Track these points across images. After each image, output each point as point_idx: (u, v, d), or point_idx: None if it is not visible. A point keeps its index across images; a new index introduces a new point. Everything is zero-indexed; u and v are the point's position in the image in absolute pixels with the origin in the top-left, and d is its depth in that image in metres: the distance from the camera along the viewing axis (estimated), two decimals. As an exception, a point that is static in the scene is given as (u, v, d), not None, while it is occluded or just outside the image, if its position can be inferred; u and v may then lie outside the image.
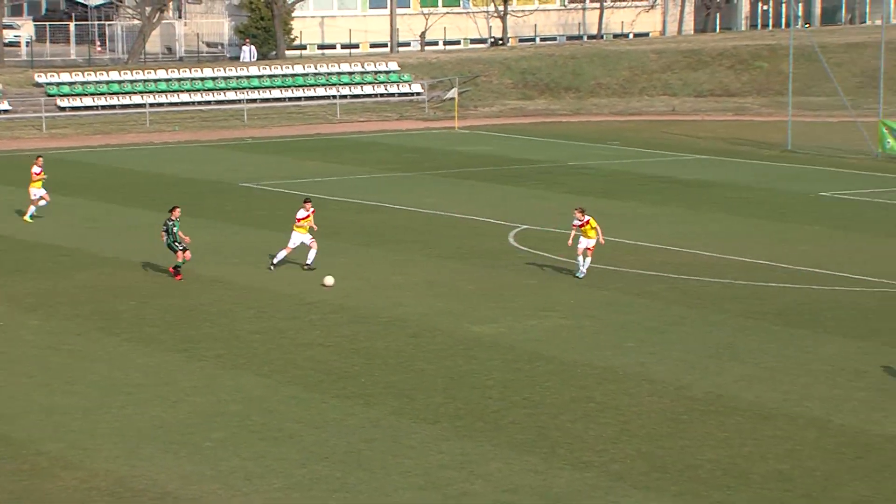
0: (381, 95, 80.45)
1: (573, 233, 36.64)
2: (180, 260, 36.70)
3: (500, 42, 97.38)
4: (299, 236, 37.44)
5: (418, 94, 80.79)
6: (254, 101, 77.06)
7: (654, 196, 50.72)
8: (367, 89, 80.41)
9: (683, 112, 79.50)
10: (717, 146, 65.20)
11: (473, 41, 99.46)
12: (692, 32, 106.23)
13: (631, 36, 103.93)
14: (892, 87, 77.71)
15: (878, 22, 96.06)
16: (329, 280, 35.67)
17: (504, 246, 41.27)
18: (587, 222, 36.28)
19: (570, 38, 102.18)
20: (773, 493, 21.95)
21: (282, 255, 37.67)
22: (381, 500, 21.98)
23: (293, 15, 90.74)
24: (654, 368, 28.66)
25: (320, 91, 79.30)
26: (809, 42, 74.41)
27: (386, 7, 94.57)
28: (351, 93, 79.64)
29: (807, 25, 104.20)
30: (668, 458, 23.47)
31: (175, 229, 36.50)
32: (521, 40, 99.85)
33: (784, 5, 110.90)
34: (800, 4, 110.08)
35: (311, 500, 21.97)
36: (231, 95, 77.23)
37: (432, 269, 38.04)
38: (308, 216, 37.49)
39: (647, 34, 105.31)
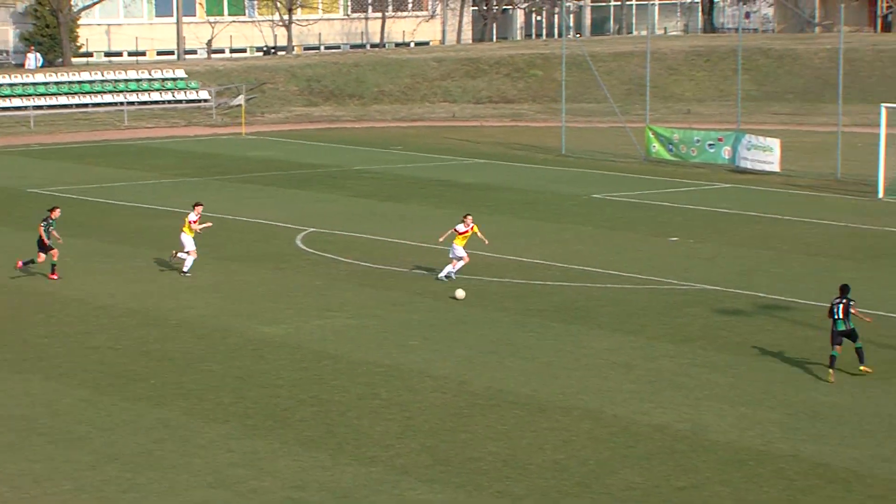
0: (169, 102, 79.46)
1: (449, 234, 36.55)
2: (41, 260, 36.13)
3: (274, 51, 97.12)
4: (190, 239, 37.07)
5: (206, 100, 79.98)
6: (40, 107, 75.40)
7: (436, 199, 51.03)
8: (155, 96, 79.36)
9: (463, 118, 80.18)
10: (496, 150, 65.88)
11: (259, 49, 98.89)
12: (470, 42, 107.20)
13: (412, 45, 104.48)
14: (658, 95, 79.45)
15: (644, 32, 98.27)
16: (460, 293, 34.66)
17: (291, 248, 41.08)
18: (472, 229, 36.28)
19: (353, 46, 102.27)
20: (550, 483, 22.24)
21: (189, 262, 37.06)
22: (171, 499, 21.68)
23: (79, 22, 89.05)
24: (437, 365, 28.82)
25: (107, 98, 78.02)
26: (580, 51, 75.68)
27: (172, 15, 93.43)
28: (138, 99, 78.49)
29: (578, 35, 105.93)
30: (451, 452, 23.61)
31: (51, 228, 36.10)
32: (306, 48, 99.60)
33: (556, 16, 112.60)
34: (571, 16, 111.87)
35: (101, 502, 21.56)
36: (17, 102, 75.48)
37: (221, 272, 37.67)
38: (198, 220, 37.15)
39: (427, 43, 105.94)
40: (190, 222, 37.17)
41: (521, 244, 42.12)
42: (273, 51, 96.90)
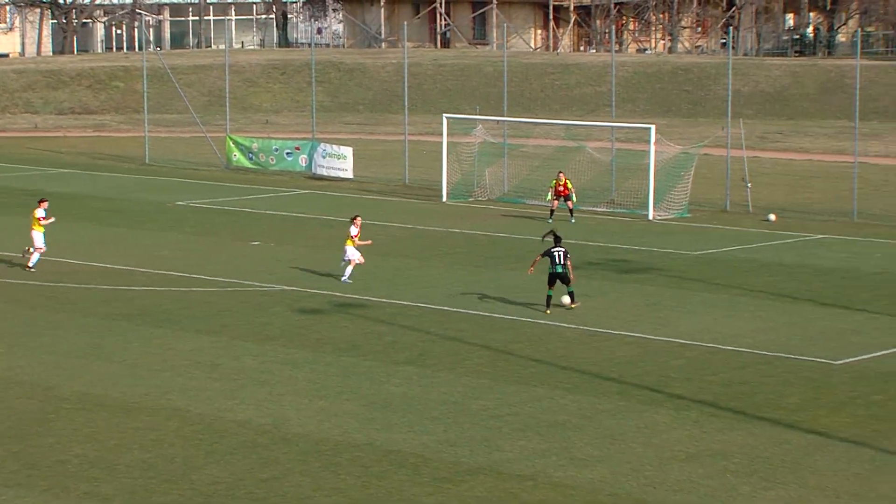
0: None
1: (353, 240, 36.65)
2: None
3: None
4: (40, 235, 38.07)
5: None
6: None
7: (20, 208, 49.43)
8: None
9: (46, 129, 77.97)
10: (80, 160, 64.36)
11: None
12: (51, 54, 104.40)
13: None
14: (237, 106, 79.44)
15: (223, 46, 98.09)
16: (566, 299, 33.32)
17: None
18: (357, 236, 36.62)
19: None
20: (138, 482, 21.92)
21: (36, 257, 37.97)
22: None
23: None
24: (23, 372, 27.94)
25: None
26: (161, 64, 74.83)
27: None
28: None
29: (158, 49, 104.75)
30: (38, 456, 22.95)
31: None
32: None
33: (136, 30, 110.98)
34: (150, 29, 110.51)
35: None
36: None
37: None
38: (47, 216, 38.41)
39: (6, 55, 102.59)
40: (39, 219, 37.98)
41: (107, 251, 41.34)
42: None
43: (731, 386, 26.99)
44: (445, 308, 33.76)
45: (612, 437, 23.86)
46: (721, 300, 35.07)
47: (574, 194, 47.60)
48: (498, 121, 58.90)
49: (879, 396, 26.11)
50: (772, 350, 29.73)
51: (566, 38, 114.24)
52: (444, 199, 53.14)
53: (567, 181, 47.52)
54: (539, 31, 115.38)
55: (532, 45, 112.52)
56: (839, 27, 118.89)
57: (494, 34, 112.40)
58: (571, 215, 47.61)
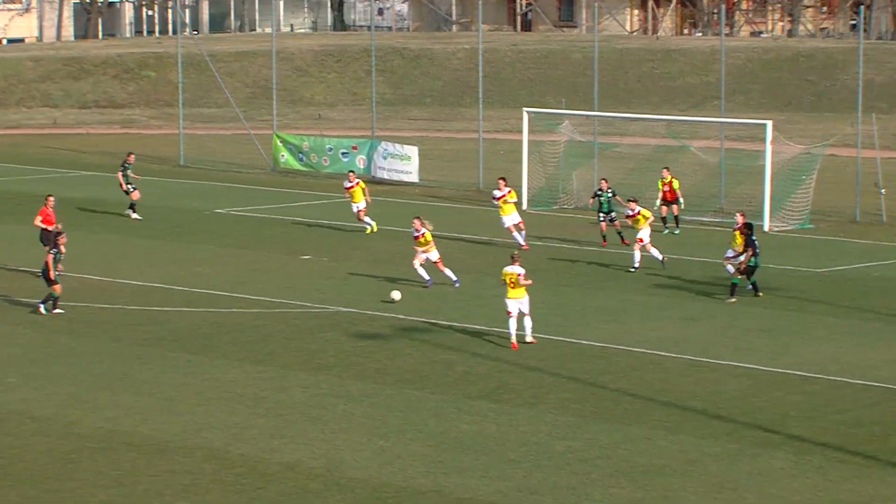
0: None
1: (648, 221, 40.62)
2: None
3: None
4: None
5: None
6: None
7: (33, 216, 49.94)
8: None
9: (66, 125, 78.87)
10: (105, 161, 64.93)
11: None
12: (72, 39, 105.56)
13: (5, 42, 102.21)
14: (286, 98, 79.95)
15: (269, 30, 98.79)
16: (396, 294, 36.91)
17: None
18: (638, 213, 40.98)
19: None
20: (172, 532, 22.12)
21: None
22: None
23: None
24: (39, 405, 28.27)
25: None
26: (199, 50, 75.50)
27: None
28: None
29: (195, 33, 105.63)
30: (55, 502, 23.20)
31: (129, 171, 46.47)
32: None
33: (170, 11, 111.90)
34: (186, 10, 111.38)
35: None
36: None
37: None
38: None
39: (22, 40, 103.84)
40: None
41: (138, 266, 41.73)
42: None
43: (860, 426, 26.83)
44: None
45: (720, 486, 23.79)
46: (849, 326, 34.87)
47: (681, 198, 47.36)
48: (587, 116, 58.86)
49: None
50: (909, 385, 29.56)
51: (667, 20, 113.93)
52: (525, 206, 53.08)
53: (673, 180, 47.28)
54: (636, 12, 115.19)
55: (627, 28, 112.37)
56: None
57: (584, 15, 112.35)
58: (677, 224, 47.48)
